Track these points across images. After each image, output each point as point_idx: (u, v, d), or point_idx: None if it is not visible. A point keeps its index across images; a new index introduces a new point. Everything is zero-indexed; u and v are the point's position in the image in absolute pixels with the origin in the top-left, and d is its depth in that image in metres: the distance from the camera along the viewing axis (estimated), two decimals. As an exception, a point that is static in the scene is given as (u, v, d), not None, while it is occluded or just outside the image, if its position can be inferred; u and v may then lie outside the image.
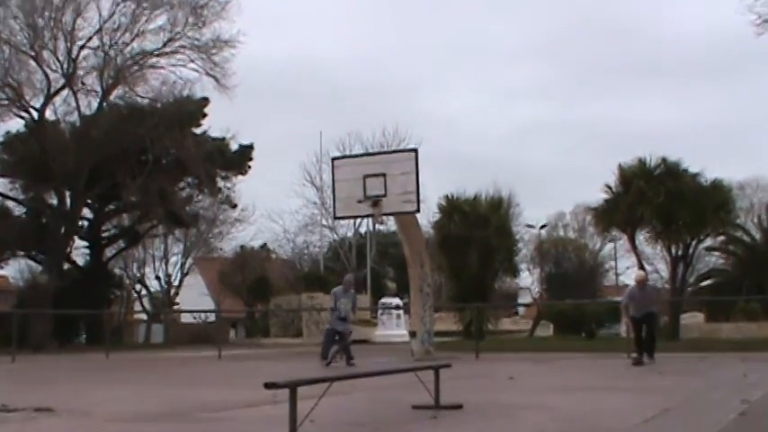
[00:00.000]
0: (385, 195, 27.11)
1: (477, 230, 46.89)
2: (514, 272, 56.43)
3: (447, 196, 49.10)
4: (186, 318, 63.47)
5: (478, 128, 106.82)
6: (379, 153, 36.70)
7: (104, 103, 50.98)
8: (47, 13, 48.46)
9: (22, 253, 56.58)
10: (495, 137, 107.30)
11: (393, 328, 49.82)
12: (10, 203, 54.41)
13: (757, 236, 51.40)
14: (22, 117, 50.40)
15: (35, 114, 50.05)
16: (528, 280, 73.12)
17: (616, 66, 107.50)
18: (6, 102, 48.75)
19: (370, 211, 28.37)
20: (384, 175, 27.20)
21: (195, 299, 65.90)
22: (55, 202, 52.57)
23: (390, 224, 47.65)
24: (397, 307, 51.93)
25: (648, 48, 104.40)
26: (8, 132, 51.57)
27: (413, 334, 28.81)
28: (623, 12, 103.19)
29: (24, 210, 54.69)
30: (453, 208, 48.27)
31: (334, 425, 8.06)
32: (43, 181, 51.16)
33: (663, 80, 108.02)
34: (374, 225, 63.35)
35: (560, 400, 12.22)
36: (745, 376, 16.22)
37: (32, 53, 48.55)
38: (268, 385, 7.19)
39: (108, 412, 10.88)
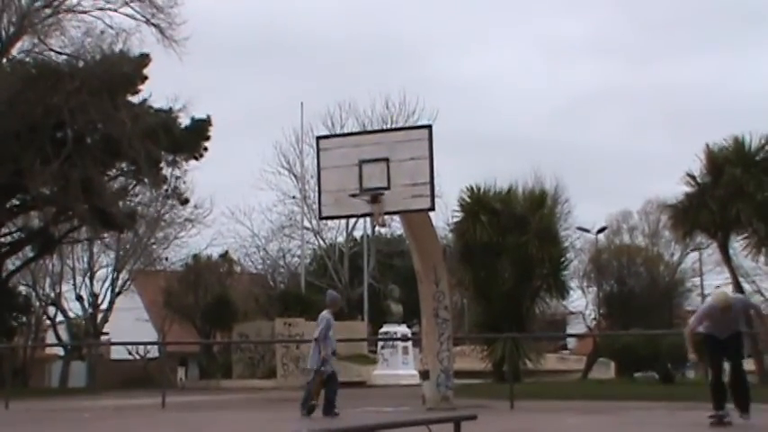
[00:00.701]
0: (388, 188, 26.68)
1: (512, 236, 46.59)
2: (562, 291, 56.10)
3: (471, 189, 48.78)
4: (119, 352, 63.44)
5: (514, 98, 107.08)
6: (380, 131, 36.45)
7: (5, 60, 50.95)
8: None
9: None
10: (537, 110, 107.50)
11: (398, 367, 49.82)
12: None
13: None
14: None
15: None
16: (581, 302, 73.09)
17: (703, 13, 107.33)
18: None
19: (368, 208, 27.96)
20: (387, 160, 26.77)
21: (131, 327, 65.78)
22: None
23: (396, 226, 47.43)
24: (404, 338, 51.84)
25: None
26: None
27: (425, 374, 28.52)
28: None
29: None
30: (480, 205, 47.85)
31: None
32: None
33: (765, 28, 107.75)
34: (373, 227, 63.42)
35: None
36: None
37: None
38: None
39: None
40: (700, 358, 19.78)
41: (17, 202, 56.39)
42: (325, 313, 25.49)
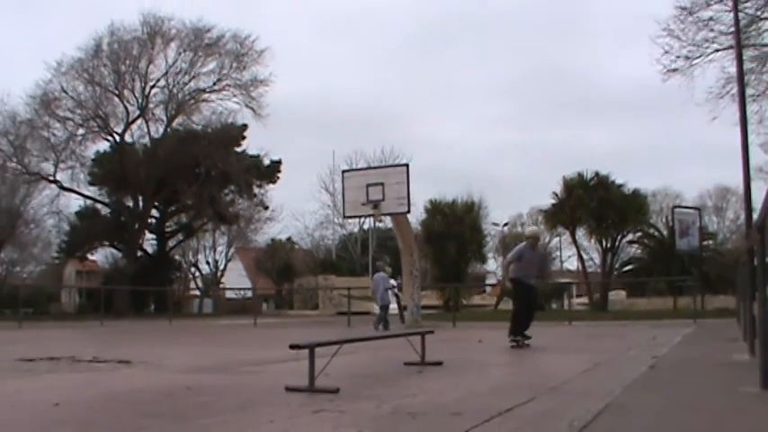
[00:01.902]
0: (383, 200, 27.18)
1: (455, 227, 46.91)
2: (483, 259, 56.53)
3: (431, 200, 49.15)
4: (229, 294, 63.30)
5: (457, 148, 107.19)
6: (378, 167, 36.62)
7: (168, 129, 51.33)
8: (127, 62, 49.05)
9: (107, 243, 56.99)
10: (469, 156, 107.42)
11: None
12: (98, 206, 54.87)
13: (665, 232, 51.57)
14: (107, 140, 51.20)
15: (117, 138, 50.45)
16: (493, 265, 73.20)
17: (563, 103, 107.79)
18: (97, 129, 49.53)
19: (372, 211, 28.45)
20: (383, 184, 27.28)
21: (236, 279, 65.89)
22: (131, 204, 52.90)
23: (387, 222, 48.08)
24: (393, 287, 51.82)
25: (587, 90, 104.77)
26: (98, 152, 52.26)
27: (405, 307, 28.87)
28: (571, 62, 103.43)
29: (109, 210, 55.08)
30: (436, 210, 48.27)
31: (343, 377, 8.10)
32: (123, 188, 51.68)
33: (598, 115, 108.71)
34: (374, 223, 63.38)
35: (518, 358, 12.27)
36: (654, 338, 16.29)
37: (116, 92, 49.21)
38: (292, 346, 7.23)
39: (172, 365, 10.92)
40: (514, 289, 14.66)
41: (174, 208, 56.71)
42: (382, 274, 26.66)
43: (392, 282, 27.84)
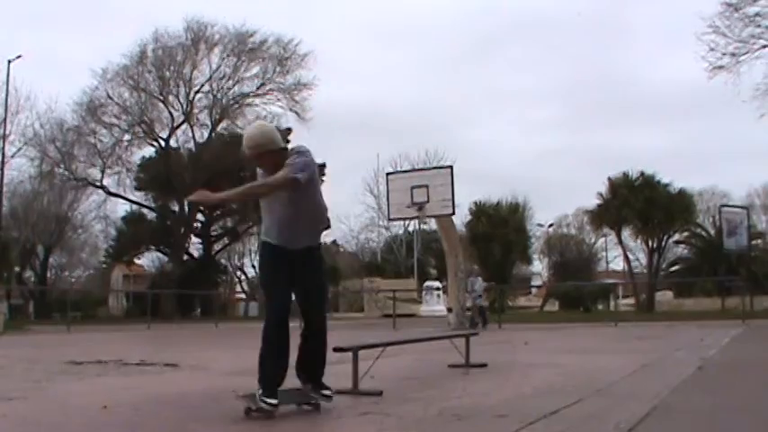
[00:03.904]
0: (428, 202, 27.11)
1: (499, 229, 46.93)
2: (528, 261, 56.48)
3: (476, 202, 49.29)
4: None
5: (501, 150, 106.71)
6: (422, 169, 36.57)
7: (213, 134, 51.75)
8: (172, 68, 49.56)
9: (153, 247, 57.66)
10: (513, 158, 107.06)
11: (434, 305, 49.59)
12: (144, 210, 55.48)
13: (712, 232, 51.05)
14: (153, 145, 51.79)
15: (163, 143, 50.98)
16: (539, 267, 72.89)
17: (608, 104, 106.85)
18: (142, 134, 50.12)
19: (416, 213, 28.47)
20: (427, 186, 27.21)
21: (283, 282, 66.16)
22: (177, 209, 53.37)
23: (431, 224, 47.67)
24: (438, 288, 51.75)
25: (632, 90, 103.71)
26: (143, 157, 52.86)
27: (450, 309, 28.85)
28: (615, 63, 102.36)
29: (155, 215, 55.61)
30: (481, 212, 48.41)
31: (387, 379, 8.10)
32: (168, 193, 52.18)
33: (643, 115, 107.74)
34: (419, 225, 63.38)
35: (565, 359, 12.19)
36: (701, 340, 16.13)
37: (161, 98, 49.74)
38: (336, 349, 7.26)
39: (218, 367, 11.01)
40: None
41: (219, 212, 57.10)
42: (470, 278, 28.49)
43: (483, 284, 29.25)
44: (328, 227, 6.72)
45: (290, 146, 6.33)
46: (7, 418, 5.71)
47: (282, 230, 6.24)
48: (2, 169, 41.70)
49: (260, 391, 5.96)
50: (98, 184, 50.79)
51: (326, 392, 6.29)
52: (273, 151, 6.06)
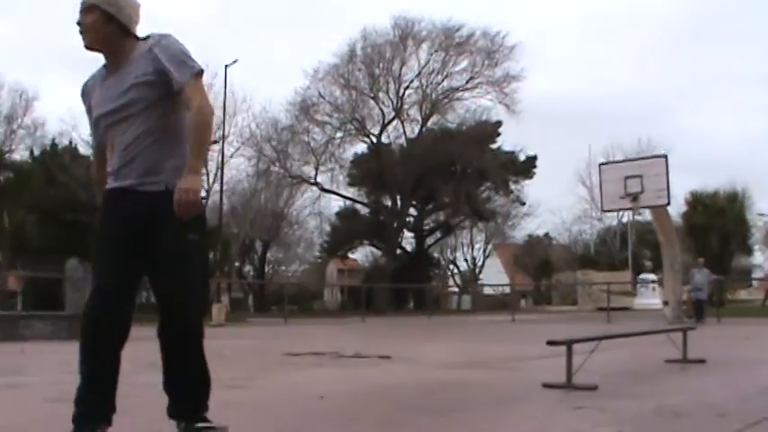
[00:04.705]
0: (642, 192, 26.41)
1: (717, 219, 45.16)
2: (749, 252, 53.97)
3: (692, 192, 47.49)
4: (487, 290, 63.54)
5: (718, 138, 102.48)
6: (636, 159, 35.59)
7: (423, 129, 52.30)
8: (381, 65, 50.39)
9: (366, 242, 58.90)
10: (731, 145, 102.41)
11: (649, 298, 48.17)
12: (358, 206, 56.76)
13: None
14: (365, 142, 52.94)
15: (374, 140, 51.94)
16: (760, 258, 69.44)
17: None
18: (354, 131, 51.28)
19: (630, 204, 27.80)
20: (641, 176, 26.50)
21: (494, 276, 66.06)
22: (389, 203, 54.30)
23: (646, 215, 46.34)
24: (653, 281, 50.34)
25: None
26: (355, 154, 54.15)
27: (666, 303, 28.00)
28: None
29: (368, 210, 56.78)
30: (697, 201, 46.68)
31: (601, 374, 7.94)
32: (381, 188, 53.16)
33: None
34: (633, 216, 61.78)
35: (791, 355, 11.61)
36: None
37: (371, 95, 50.66)
38: (549, 342, 7.18)
39: (431, 360, 11.10)
40: None
41: (431, 206, 57.73)
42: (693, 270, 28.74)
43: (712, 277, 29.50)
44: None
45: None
46: (230, 406, 5.96)
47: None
48: (222, 169, 43.65)
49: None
50: (312, 180, 52.37)
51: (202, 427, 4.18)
52: (121, 26, 4.08)
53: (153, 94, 3.97)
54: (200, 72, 4.03)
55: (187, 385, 4.18)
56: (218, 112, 44.02)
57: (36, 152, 43.91)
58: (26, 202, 39.99)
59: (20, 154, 44.32)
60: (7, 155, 42.67)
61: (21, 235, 40.21)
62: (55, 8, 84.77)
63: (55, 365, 9.50)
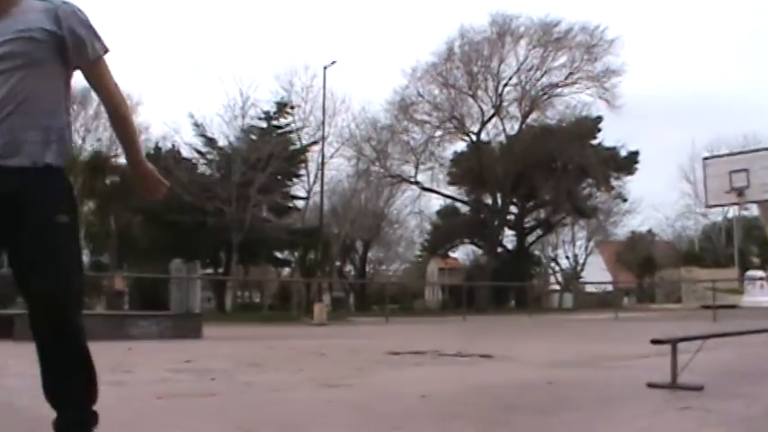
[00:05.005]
0: (748, 187, 25.69)
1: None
2: None
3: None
4: (589, 288, 62.80)
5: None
6: (742, 152, 34.67)
7: (523, 126, 51.98)
8: (479, 62, 50.29)
9: (467, 240, 58.90)
10: None
11: (757, 296, 46.95)
12: (458, 204, 56.80)
13: None
14: (464, 140, 52.91)
15: (473, 138, 51.85)
16: None
17: None
18: (453, 130, 51.31)
19: (736, 200, 27.05)
20: (747, 170, 25.76)
21: (596, 273, 65.25)
22: (489, 202, 54.20)
23: (753, 210, 45.30)
24: (761, 278, 49.06)
25: None
26: (455, 152, 54.06)
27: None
28: None
29: (468, 208, 56.76)
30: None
31: (708, 374, 7.76)
32: (480, 187, 53.15)
33: None
34: (739, 211, 60.34)
35: None
36: None
37: (470, 93, 50.59)
38: (654, 341, 7.05)
39: (532, 359, 11.02)
40: None
41: (532, 204, 57.46)
42: None
43: None
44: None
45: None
46: (333, 403, 6.02)
47: None
48: (322, 169, 44.18)
49: None
50: (412, 179, 52.54)
51: None
52: None
53: (38, 54, 3.34)
54: (108, 52, 3.55)
55: (71, 389, 3.47)
56: (317, 113, 44.78)
57: (141, 156, 45.04)
58: (131, 205, 41.03)
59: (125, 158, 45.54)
60: (113, 159, 43.80)
61: (127, 237, 41.34)
62: (157, 18, 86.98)
63: (160, 363, 9.73)
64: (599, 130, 53.37)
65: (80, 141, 44.75)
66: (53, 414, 3.45)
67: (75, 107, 44.89)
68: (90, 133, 45.14)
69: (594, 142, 53.44)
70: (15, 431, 4.88)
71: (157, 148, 44.86)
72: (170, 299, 19.67)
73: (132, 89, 56.00)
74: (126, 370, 8.73)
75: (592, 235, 67.03)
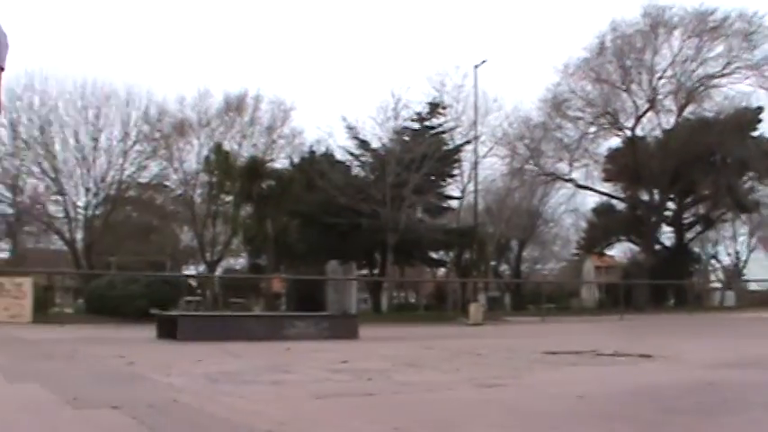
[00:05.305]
0: None
1: None
2: None
3: None
4: (753, 286, 60.54)
5: None
6: None
7: (679, 119, 50.72)
8: (632, 56, 49.35)
9: (623, 238, 57.90)
10: None
11: None
12: (614, 201, 55.94)
13: None
14: (618, 136, 51.99)
15: (628, 133, 50.94)
16: None
17: None
18: (607, 125, 50.57)
19: None
20: None
21: (759, 270, 62.79)
22: (646, 198, 53.11)
23: None
24: None
25: None
26: (610, 148, 53.24)
27: None
28: None
29: (624, 205, 55.83)
30: None
31: None
32: (637, 182, 52.16)
33: None
34: None
35: None
36: None
37: (624, 87, 49.73)
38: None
39: (693, 359, 10.76)
40: None
41: (690, 200, 56.02)
42: None
43: None
44: None
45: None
46: (490, 403, 6.04)
47: None
48: (476, 168, 44.15)
49: None
50: (566, 177, 51.97)
51: None
52: None
53: None
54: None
55: None
56: (469, 113, 44.87)
57: (295, 160, 46.14)
58: (288, 208, 42.00)
59: (280, 162, 46.55)
60: (269, 163, 44.92)
61: (283, 239, 42.29)
62: (309, 23, 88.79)
63: (318, 363, 9.94)
64: (760, 121, 51.43)
65: (236, 147, 46.17)
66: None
67: (230, 114, 46.59)
68: (246, 139, 46.45)
69: (755, 134, 51.56)
70: (177, 427, 5.08)
71: (312, 152, 45.74)
72: (326, 300, 20.05)
73: (285, 95, 57.50)
74: (285, 370, 8.97)
75: (754, 230, 64.57)
